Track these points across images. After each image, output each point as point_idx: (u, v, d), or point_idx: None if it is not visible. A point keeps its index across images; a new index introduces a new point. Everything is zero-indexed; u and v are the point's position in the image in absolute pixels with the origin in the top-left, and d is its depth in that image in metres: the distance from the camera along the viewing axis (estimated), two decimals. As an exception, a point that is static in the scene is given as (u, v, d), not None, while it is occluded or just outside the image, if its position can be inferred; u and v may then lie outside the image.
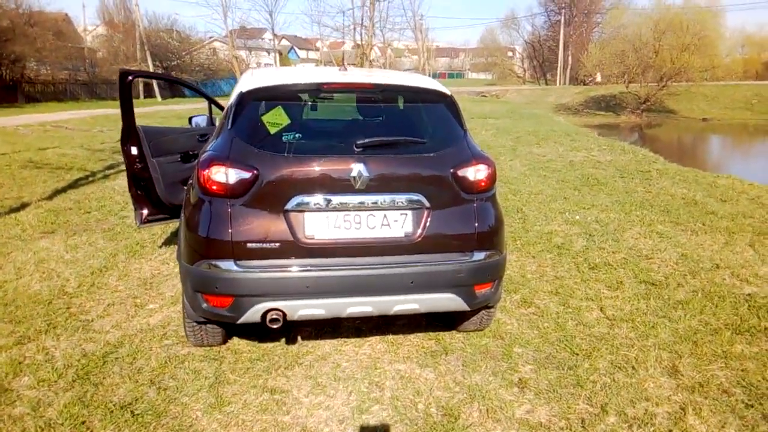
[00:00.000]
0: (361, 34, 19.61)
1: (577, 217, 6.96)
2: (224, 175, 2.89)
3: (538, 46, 62.01)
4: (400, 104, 3.38)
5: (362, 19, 18.18)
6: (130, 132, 4.31)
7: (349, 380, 3.20)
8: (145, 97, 36.22)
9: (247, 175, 2.89)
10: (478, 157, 3.21)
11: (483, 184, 3.19)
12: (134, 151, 4.35)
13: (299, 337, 3.68)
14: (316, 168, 2.94)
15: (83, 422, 2.73)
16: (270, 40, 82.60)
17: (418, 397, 3.07)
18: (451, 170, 3.10)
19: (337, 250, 2.97)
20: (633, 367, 3.46)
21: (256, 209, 2.92)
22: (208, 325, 3.29)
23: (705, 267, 5.20)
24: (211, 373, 3.23)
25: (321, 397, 3.04)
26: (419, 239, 3.05)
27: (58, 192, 8.01)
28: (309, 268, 2.93)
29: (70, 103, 29.62)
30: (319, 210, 2.94)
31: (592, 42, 47.50)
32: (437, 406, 3.01)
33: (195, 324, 3.28)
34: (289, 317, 2.98)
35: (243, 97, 3.10)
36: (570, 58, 53.35)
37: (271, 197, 2.91)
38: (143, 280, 4.64)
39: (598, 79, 44.86)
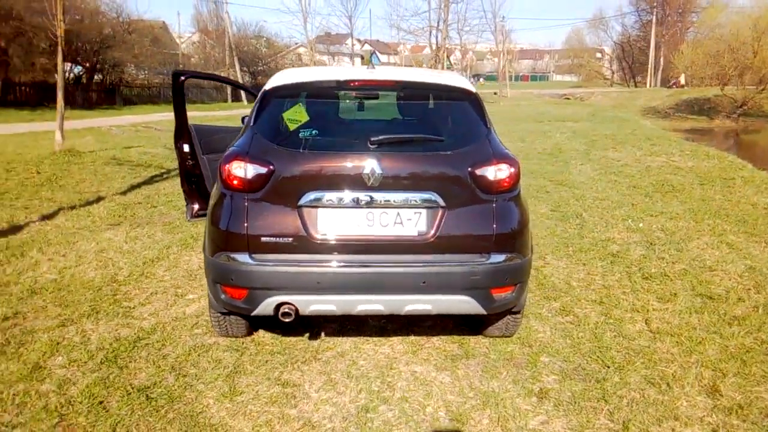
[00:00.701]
0: (436, 37, 19.51)
1: (641, 225, 6.61)
2: (243, 170, 2.97)
3: (627, 47, 59.40)
4: (423, 102, 3.34)
5: (437, 22, 18.06)
6: (182, 130, 4.50)
7: (361, 378, 3.19)
8: (233, 101, 37.77)
9: (263, 170, 2.95)
10: (499, 157, 3.11)
11: (504, 184, 3.09)
12: (186, 148, 4.54)
13: (323, 333, 3.71)
14: (330, 164, 2.96)
15: (101, 402, 2.87)
16: (353, 45, 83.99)
17: (428, 399, 3.02)
18: (469, 169, 3.03)
19: (349, 247, 2.97)
20: (668, 384, 3.24)
21: (271, 204, 2.97)
22: (231, 317, 3.39)
23: (774, 282, 4.80)
24: (231, 363, 3.31)
25: (330, 393, 3.05)
26: (433, 239, 2.99)
27: (132, 187, 8.51)
28: (320, 264, 2.95)
29: (163, 106, 31.35)
30: (331, 206, 2.95)
31: (685, 42, 44.92)
32: (447, 410, 2.94)
33: (219, 315, 3.38)
34: (301, 312, 3.01)
35: (266, 95, 3.18)
36: (662, 59, 50.73)
37: (286, 193, 2.96)
38: (189, 271, 4.83)
39: (682, 81, 42.41)
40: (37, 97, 27.04)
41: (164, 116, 22.59)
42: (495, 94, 43.03)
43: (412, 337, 3.69)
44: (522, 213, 3.23)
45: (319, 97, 3.28)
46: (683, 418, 2.93)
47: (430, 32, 19.72)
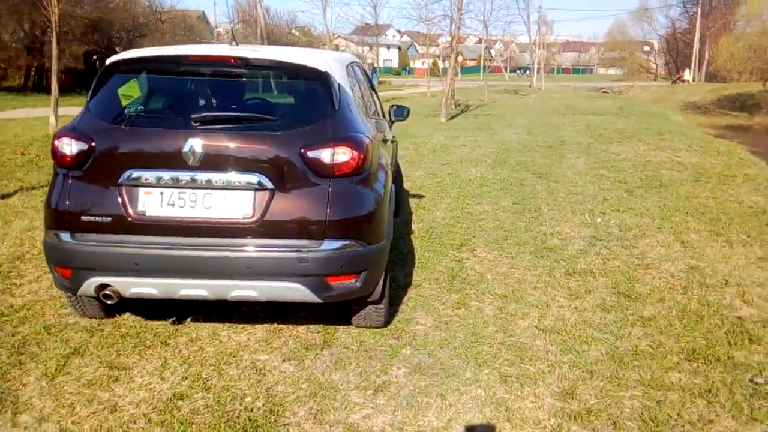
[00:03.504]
0: (450, 27, 19.13)
1: (599, 220, 6.29)
2: (66, 146, 2.91)
3: (672, 39, 57.18)
4: (267, 80, 3.20)
5: (451, 10, 17.69)
6: None
7: (195, 365, 3.09)
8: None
9: (84, 146, 2.89)
10: (340, 139, 2.94)
11: (344, 167, 2.92)
12: None
13: (189, 319, 3.63)
14: (150, 141, 2.86)
15: None
16: (393, 36, 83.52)
17: (252, 389, 2.89)
18: (301, 151, 2.87)
19: (169, 228, 2.86)
20: (521, 384, 3.03)
21: (92, 182, 2.91)
22: (84, 297, 3.33)
23: (709, 283, 4.48)
24: (76, 343, 3.26)
25: (154, 378, 2.96)
26: (258, 222, 2.85)
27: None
28: (140, 245, 2.85)
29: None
30: (150, 185, 2.85)
31: (725, 35, 42.87)
32: (266, 400, 2.82)
33: (70, 294, 3.33)
34: (122, 294, 2.93)
35: (105, 70, 3.08)
36: (707, 53, 48.61)
37: (107, 170, 2.88)
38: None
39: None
40: (71, 83, 27.85)
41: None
42: (530, 86, 42.15)
43: (277, 325, 3.57)
44: (369, 198, 3.06)
45: (160, 73, 3.18)
46: (517, 420, 2.73)
47: (451, 22, 19.32)
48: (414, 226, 5.84)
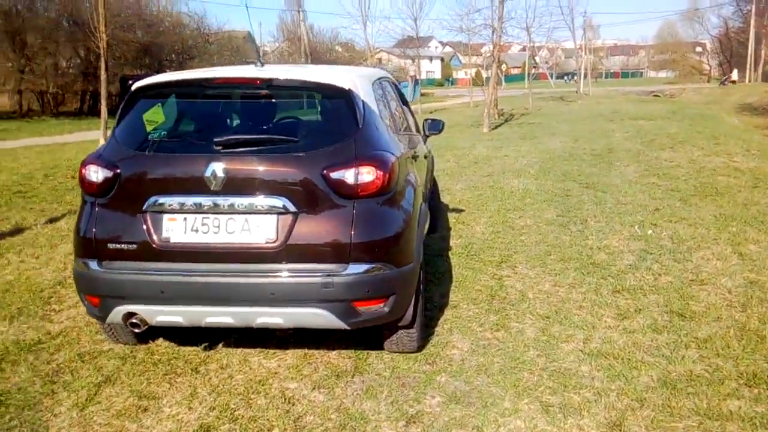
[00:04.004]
0: (492, 36, 18.88)
1: (650, 232, 5.99)
2: (91, 174, 2.92)
3: (725, 39, 55.04)
4: (291, 100, 3.14)
5: (492, 20, 17.47)
6: None
7: (224, 394, 3.02)
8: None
9: (109, 174, 2.88)
10: (364, 158, 2.84)
11: (369, 187, 2.82)
12: None
13: (221, 344, 3.58)
14: (172, 167, 2.84)
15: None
16: (435, 48, 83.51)
17: (279, 420, 2.80)
18: (324, 171, 2.78)
19: (193, 254, 2.82)
20: (565, 414, 2.84)
21: (117, 209, 2.90)
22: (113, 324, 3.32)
23: (771, 299, 4.16)
24: (108, 371, 3.25)
25: (183, 408, 2.90)
26: (282, 247, 2.78)
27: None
28: (164, 272, 2.82)
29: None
30: (173, 211, 2.82)
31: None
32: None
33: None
34: (149, 322, 2.90)
35: (130, 96, 3.08)
36: (763, 52, 46.56)
37: (132, 197, 2.87)
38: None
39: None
40: (122, 106, 28.90)
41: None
42: (576, 92, 41.30)
43: (308, 351, 3.48)
44: (397, 218, 2.95)
45: (184, 96, 3.17)
46: (558, 456, 2.55)
47: (492, 31, 19.09)
48: (452, 242, 5.68)
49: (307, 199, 2.79)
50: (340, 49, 47.48)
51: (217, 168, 2.76)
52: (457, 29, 21.85)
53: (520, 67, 70.25)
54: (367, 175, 2.82)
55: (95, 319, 3.12)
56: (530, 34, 24.64)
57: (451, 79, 73.81)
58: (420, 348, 3.42)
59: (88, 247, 2.92)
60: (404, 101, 4.90)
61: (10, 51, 23.79)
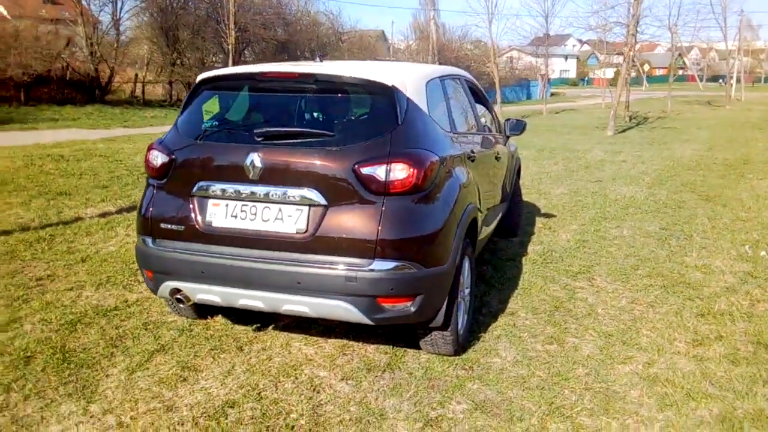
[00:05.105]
0: (626, 35, 17.71)
1: (763, 254, 5.37)
2: (153, 158, 3.16)
3: None
4: (330, 95, 3.18)
5: (627, 17, 16.34)
6: None
7: (257, 374, 3.13)
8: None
9: (166, 159, 3.09)
10: (398, 155, 2.80)
11: (400, 185, 2.79)
12: None
13: (271, 326, 3.72)
14: (218, 155, 2.99)
15: (28, 357, 3.26)
16: (573, 46, 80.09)
17: (299, 405, 2.86)
18: (355, 166, 2.79)
19: (232, 239, 2.95)
20: (594, 440, 2.63)
21: (170, 192, 3.11)
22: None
23: None
24: (165, 341, 3.50)
25: (217, 383, 3.05)
26: (310, 238, 2.82)
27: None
28: (206, 254, 2.98)
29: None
30: (217, 197, 2.97)
31: None
32: (310, 419, 2.76)
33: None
34: (191, 299, 3.08)
35: (194, 87, 3.29)
36: None
37: (183, 181, 3.06)
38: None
39: None
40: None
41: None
42: (726, 97, 37.71)
43: (348, 342, 3.51)
44: (429, 218, 2.89)
45: (237, 89, 3.33)
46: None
47: (627, 30, 17.93)
48: (530, 248, 5.45)
49: (338, 192, 2.81)
50: (470, 47, 47.02)
51: (256, 158, 2.87)
52: (585, 27, 20.79)
53: (666, 68, 65.41)
54: (399, 172, 2.78)
55: (151, 291, 3.38)
56: (673, 33, 22.79)
57: (586, 78, 70.45)
58: (458, 352, 3.33)
59: (145, 225, 3.16)
60: (482, 100, 4.77)
61: (165, 46, 26.15)
